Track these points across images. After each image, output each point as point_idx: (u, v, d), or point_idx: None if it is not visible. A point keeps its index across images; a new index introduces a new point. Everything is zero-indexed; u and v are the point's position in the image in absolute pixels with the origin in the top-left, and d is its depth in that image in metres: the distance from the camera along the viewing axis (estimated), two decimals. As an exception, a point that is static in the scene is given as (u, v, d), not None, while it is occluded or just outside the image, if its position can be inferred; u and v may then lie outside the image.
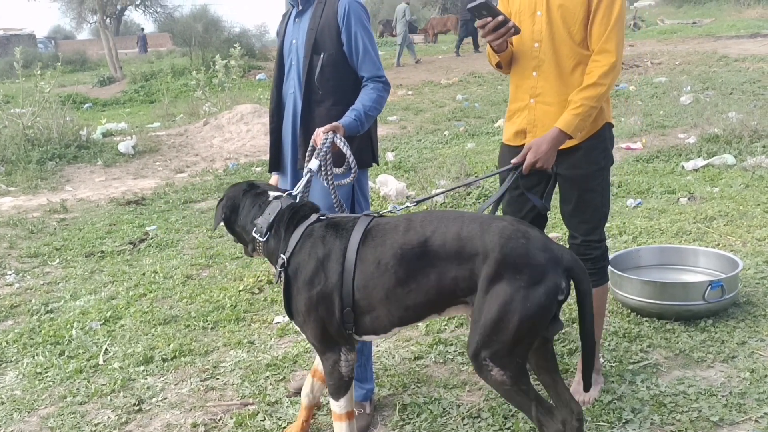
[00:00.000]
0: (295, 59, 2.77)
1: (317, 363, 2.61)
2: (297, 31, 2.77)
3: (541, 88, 2.69)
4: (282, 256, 2.31)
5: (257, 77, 18.85)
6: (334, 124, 2.57)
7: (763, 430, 2.53)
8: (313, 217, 2.37)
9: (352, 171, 2.62)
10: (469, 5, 2.54)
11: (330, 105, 2.72)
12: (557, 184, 2.77)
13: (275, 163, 2.94)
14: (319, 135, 2.55)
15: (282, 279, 2.33)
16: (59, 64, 16.71)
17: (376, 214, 2.33)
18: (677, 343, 3.25)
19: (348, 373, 2.33)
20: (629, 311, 3.64)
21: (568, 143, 2.61)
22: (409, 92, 14.46)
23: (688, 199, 5.72)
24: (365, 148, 2.81)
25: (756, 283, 3.86)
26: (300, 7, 2.77)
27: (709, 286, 3.39)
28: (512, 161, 2.62)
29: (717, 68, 12.92)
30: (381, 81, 2.75)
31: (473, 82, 15.03)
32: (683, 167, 6.75)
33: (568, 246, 2.80)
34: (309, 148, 2.61)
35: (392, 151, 8.91)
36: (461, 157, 7.82)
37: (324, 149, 2.51)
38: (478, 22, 2.56)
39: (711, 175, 6.38)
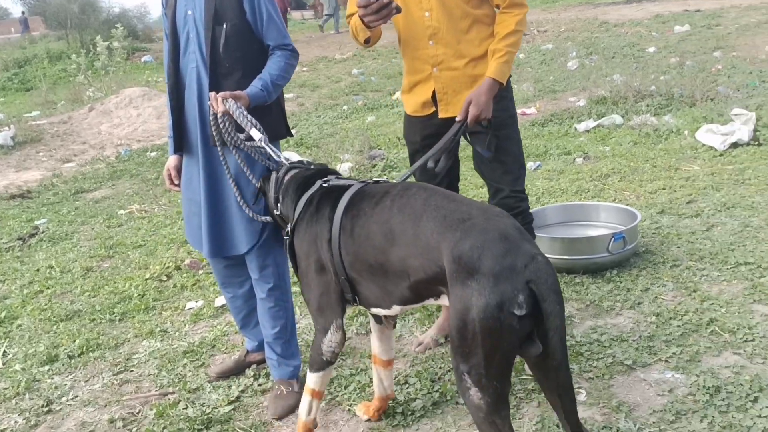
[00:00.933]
0: (193, 32, 2.59)
1: (374, 348, 2.54)
2: (191, 1, 2.58)
3: (442, 56, 2.69)
4: (288, 227, 2.37)
5: (143, 59, 18.00)
6: (237, 92, 2.48)
7: (673, 369, 2.68)
8: (317, 184, 2.33)
9: (262, 134, 2.52)
10: None
11: (239, 77, 2.59)
12: (472, 147, 2.77)
13: (178, 144, 2.76)
14: (218, 101, 2.43)
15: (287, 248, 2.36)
16: None
17: (367, 181, 2.27)
18: (587, 294, 3.39)
19: (327, 351, 2.27)
20: (539, 268, 3.75)
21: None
22: (304, 68, 14.24)
23: (584, 158, 5.95)
24: (278, 119, 2.72)
25: (652, 233, 4.08)
26: None
27: (612, 238, 3.54)
28: (457, 118, 2.60)
29: (599, 34, 13.48)
30: (288, 49, 2.66)
31: (368, 56, 14.97)
32: (576, 129, 7.02)
33: (494, 202, 2.78)
34: (212, 117, 2.50)
35: (292, 128, 8.73)
36: (363, 131, 7.81)
37: (237, 113, 2.44)
38: (359, 2, 2.41)
39: (602, 135, 6.66)
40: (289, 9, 21.17)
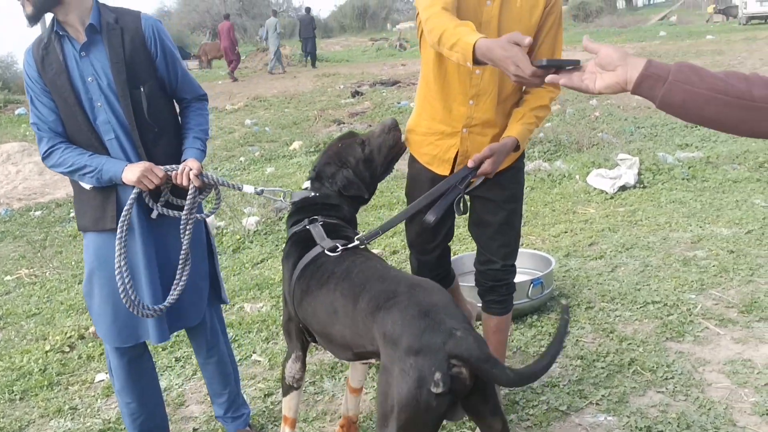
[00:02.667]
0: (101, 100, 2.34)
1: (350, 373, 2.69)
2: (88, 66, 2.33)
3: (477, 119, 2.45)
4: None
5: (16, 112, 17.03)
6: (192, 162, 2.41)
7: (604, 411, 2.77)
8: (303, 222, 2.43)
9: (221, 201, 2.69)
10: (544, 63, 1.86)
11: (171, 138, 2.50)
12: (472, 207, 2.63)
13: (100, 220, 2.43)
14: (186, 176, 2.38)
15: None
16: None
17: (325, 249, 2.28)
18: (512, 341, 3.46)
19: (289, 376, 2.45)
20: (462, 317, 3.80)
21: (507, 161, 2.48)
22: (194, 119, 13.97)
23: (486, 205, 6.14)
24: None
25: (563, 276, 4.25)
26: (86, 39, 2.32)
27: (531, 284, 3.65)
28: (469, 163, 2.37)
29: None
30: (204, 98, 2.64)
31: (259, 106, 14.92)
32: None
33: (482, 272, 2.70)
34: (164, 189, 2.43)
35: (189, 181, 8.51)
36: (264, 182, 7.71)
37: (221, 180, 2.49)
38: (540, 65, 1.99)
39: (500, 181, 6.91)
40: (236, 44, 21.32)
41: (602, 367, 3.11)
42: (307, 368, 2.53)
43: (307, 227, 2.39)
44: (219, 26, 22.57)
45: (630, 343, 3.29)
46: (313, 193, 2.52)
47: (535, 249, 4.78)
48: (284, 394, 2.51)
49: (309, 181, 2.61)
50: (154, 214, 2.43)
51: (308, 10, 23.61)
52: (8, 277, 5.67)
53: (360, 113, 12.25)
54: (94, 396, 3.43)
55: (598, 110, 10.00)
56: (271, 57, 21.61)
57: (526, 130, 2.42)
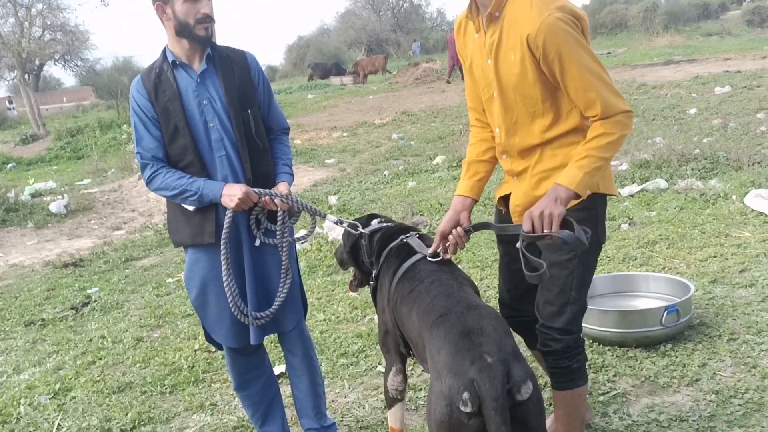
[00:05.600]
0: (214, 120, 2.61)
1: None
2: (204, 91, 2.60)
3: (516, 169, 2.38)
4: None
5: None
6: (284, 186, 2.68)
7: (737, 452, 2.59)
8: (399, 239, 2.61)
9: (314, 226, 2.91)
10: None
11: (269, 157, 2.75)
12: None
13: (198, 235, 2.65)
14: (282, 203, 2.60)
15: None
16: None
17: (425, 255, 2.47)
18: (641, 369, 3.32)
19: (391, 389, 2.57)
20: (591, 341, 3.70)
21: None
22: (344, 134, 14.54)
23: (629, 224, 5.90)
24: None
25: (706, 304, 3.99)
26: (206, 66, 2.62)
27: (666, 311, 3.48)
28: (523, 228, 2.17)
29: (637, 95, 13.51)
30: (287, 132, 2.90)
31: (406, 120, 15.24)
32: (620, 193, 6.98)
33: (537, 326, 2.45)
34: (256, 213, 2.66)
35: (334, 194, 8.90)
36: (405, 197, 7.88)
37: (308, 207, 2.68)
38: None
39: (647, 199, 6.61)
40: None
41: (739, 404, 2.90)
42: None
43: (405, 240, 2.55)
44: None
45: (774, 381, 3.04)
46: (386, 224, 2.76)
47: (677, 273, 4.53)
48: (389, 407, 2.61)
49: (376, 220, 2.84)
50: (257, 243, 2.67)
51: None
52: (170, 280, 6.23)
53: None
54: (231, 394, 3.69)
55: (765, 124, 9.24)
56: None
57: (575, 168, 2.12)
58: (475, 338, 1.88)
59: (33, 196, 10.87)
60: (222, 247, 2.56)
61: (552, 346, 2.34)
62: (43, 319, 5.46)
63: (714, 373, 3.20)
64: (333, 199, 8.46)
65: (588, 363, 3.42)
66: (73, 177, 13.62)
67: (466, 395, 1.77)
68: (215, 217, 2.61)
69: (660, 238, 5.37)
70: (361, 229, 2.77)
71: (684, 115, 10.93)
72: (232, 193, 2.52)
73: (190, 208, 2.62)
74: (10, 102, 36.64)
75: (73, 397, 3.92)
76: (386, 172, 10.03)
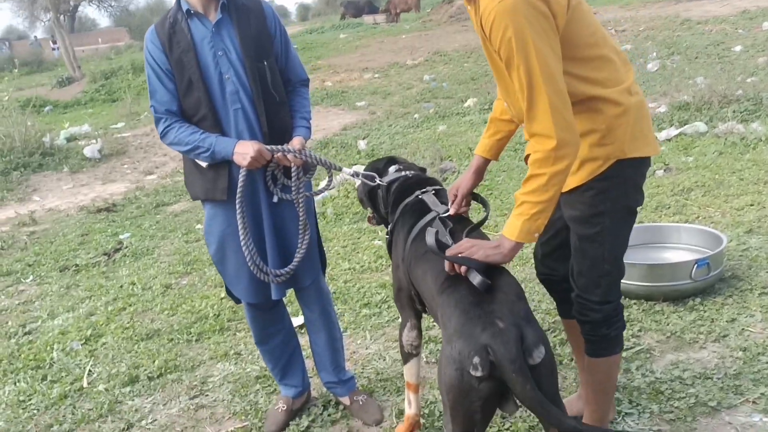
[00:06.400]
0: (230, 72, 2.52)
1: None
2: (219, 42, 2.52)
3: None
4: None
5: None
6: (299, 140, 2.60)
7: (761, 412, 2.53)
8: (415, 194, 2.53)
9: (331, 179, 2.80)
10: None
11: (286, 111, 2.67)
12: None
13: (210, 191, 2.60)
14: (295, 158, 2.53)
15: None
16: (15, 69, 16.22)
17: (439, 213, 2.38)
18: (668, 325, 3.25)
19: (406, 344, 2.54)
20: (617, 294, 3.62)
21: (570, 183, 2.09)
22: (376, 75, 14.33)
23: (664, 170, 5.73)
24: None
25: (739, 256, 3.87)
26: (221, 15, 2.52)
27: (696, 265, 3.38)
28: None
29: (681, 32, 12.98)
30: (307, 84, 2.80)
31: (439, 61, 14.93)
32: (656, 137, 6.74)
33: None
34: (272, 169, 2.60)
35: (363, 138, 8.81)
36: (434, 141, 7.76)
37: (323, 161, 2.62)
38: None
39: (684, 144, 6.39)
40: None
41: (767, 362, 2.82)
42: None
43: (420, 197, 2.48)
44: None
45: (806, 338, 2.95)
46: (404, 173, 2.67)
47: (712, 223, 4.40)
48: (404, 362, 2.59)
49: (394, 166, 2.76)
50: (274, 199, 2.62)
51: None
52: (198, 226, 6.28)
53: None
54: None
55: (815, 62, 8.81)
56: None
57: (517, 220, 1.94)
58: (487, 305, 1.85)
59: (68, 140, 11.00)
60: (237, 205, 2.52)
61: (590, 316, 2.23)
62: (76, 265, 5.58)
63: (743, 329, 3.11)
64: (362, 144, 8.38)
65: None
66: (108, 120, 13.72)
67: (476, 359, 1.74)
68: (228, 173, 2.56)
69: (696, 185, 5.20)
70: (378, 180, 2.71)
71: (728, 53, 10.48)
72: (244, 152, 2.46)
73: (203, 164, 2.58)
74: (54, 42, 36.79)
75: (104, 344, 4.01)
76: (416, 116, 9.87)
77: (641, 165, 2.14)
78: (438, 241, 2.11)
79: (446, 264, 2.01)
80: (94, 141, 10.54)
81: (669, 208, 4.83)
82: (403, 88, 12.61)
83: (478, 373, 1.75)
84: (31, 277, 5.46)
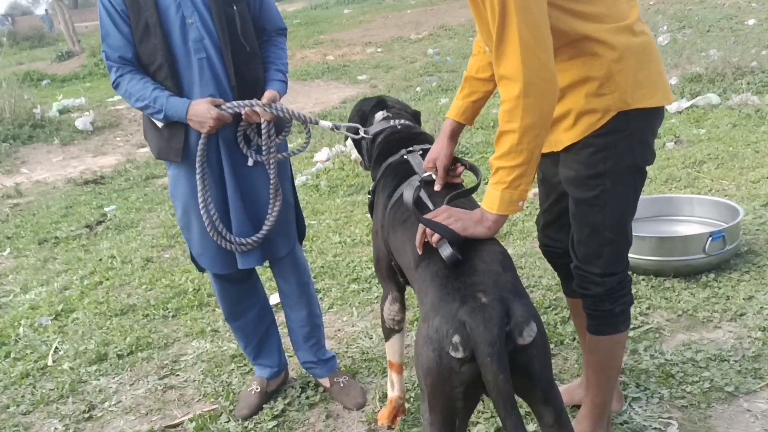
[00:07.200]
0: (193, 17, 2.22)
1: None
2: None
3: None
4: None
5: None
6: (272, 94, 2.29)
7: (784, 398, 2.27)
8: (400, 153, 2.22)
9: (309, 136, 2.55)
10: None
11: (258, 62, 2.35)
12: None
13: (163, 150, 2.33)
14: (264, 112, 2.24)
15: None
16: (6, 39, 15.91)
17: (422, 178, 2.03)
18: (679, 302, 2.98)
19: (388, 319, 2.27)
20: (623, 269, 3.35)
21: (564, 140, 1.85)
22: (379, 49, 13.98)
23: (675, 143, 5.43)
24: None
25: (756, 230, 3.59)
26: None
27: (710, 238, 3.10)
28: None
29: (692, 6, 12.58)
30: (285, 33, 2.49)
31: (444, 35, 14.56)
32: (666, 110, 6.44)
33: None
34: (243, 127, 2.31)
35: (363, 111, 8.50)
36: (435, 114, 7.46)
37: (296, 114, 2.34)
38: None
39: (696, 116, 6.09)
40: None
41: (789, 344, 2.56)
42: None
43: (405, 157, 2.16)
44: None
45: (832, 318, 2.68)
46: (392, 122, 2.37)
47: (726, 196, 4.11)
48: (386, 339, 2.32)
49: (381, 112, 2.44)
50: (249, 162, 2.35)
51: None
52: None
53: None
54: (235, 320, 3.49)
55: (833, 34, 8.45)
56: None
57: (495, 190, 1.65)
58: (469, 278, 1.55)
59: (61, 112, 10.72)
60: (198, 167, 2.25)
61: (591, 289, 1.96)
62: (56, 238, 5.33)
63: (761, 307, 2.84)
64: (360, 116, 8.08)
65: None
66: (104, 94, 13.41)
67: (456, 339, 1.46)
68: (184, 133, 2.26)
69: (708, 157, 4.90)
70: (362, 133, 2.43)
71: (742, 26, 10.10)
72: (200, 118, 2.16)
73: (159, 124, 2.29)
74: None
75: (75, 319, 3.77)
76: (418, 89, 9.57)
77: (650, 117, 1.81)
78: (417, 201, 1.84)
79: (418, 232, 1.73)
80: (86, 113, 10.26)
81: (680, 180, 4.54)
82: (406, 62, 12.28)
83: (459, 354, 1.47)
84: (8, 250, 5.22)
